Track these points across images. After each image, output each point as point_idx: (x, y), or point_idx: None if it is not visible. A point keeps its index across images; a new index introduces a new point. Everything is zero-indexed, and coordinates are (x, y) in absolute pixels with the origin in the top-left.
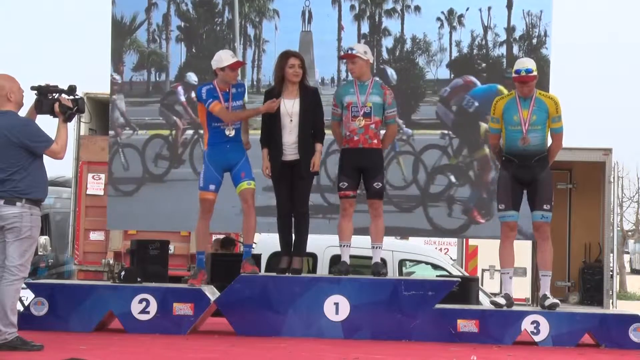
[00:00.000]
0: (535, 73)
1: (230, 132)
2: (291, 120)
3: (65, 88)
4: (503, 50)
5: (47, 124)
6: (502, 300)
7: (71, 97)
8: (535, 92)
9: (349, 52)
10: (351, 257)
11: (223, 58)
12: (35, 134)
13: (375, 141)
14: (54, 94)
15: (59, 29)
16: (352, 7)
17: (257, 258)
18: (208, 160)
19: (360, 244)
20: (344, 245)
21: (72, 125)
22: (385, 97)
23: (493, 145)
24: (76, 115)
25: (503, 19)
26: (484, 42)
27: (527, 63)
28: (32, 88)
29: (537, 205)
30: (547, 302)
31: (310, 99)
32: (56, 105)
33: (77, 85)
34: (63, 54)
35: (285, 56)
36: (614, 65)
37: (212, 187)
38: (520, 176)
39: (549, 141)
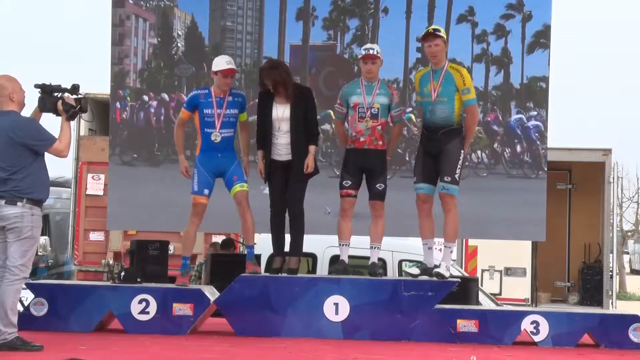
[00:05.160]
0: (442, 35)
1: (215, 138)
2: (280, 126)
3: (69, 87)
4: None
5: (50, 123)
6: (415, 271)
7: (74, 96)
8: (447, 64)
9: (370, 52)
10: (351, 257)
11: (217, 63)
12: (38, 132)
13: (381, 142)
14: (57, 93)
15: (59, 29)
16: None
17: (257, 258)
18: (200, 165)
19: (360, 244)
20: (342, 245)
21: (72, 125)
22: (393, 97)
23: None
24: (79, 115)
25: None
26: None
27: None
28: (36, 86)
29: (440, 177)
30: (435, 269)
31: (301, 102)
32: (59, 103)
33: (79, 84)
34: (63, 54)
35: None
36: (614, 65)
37: (206, 191)
38: (429, 149)
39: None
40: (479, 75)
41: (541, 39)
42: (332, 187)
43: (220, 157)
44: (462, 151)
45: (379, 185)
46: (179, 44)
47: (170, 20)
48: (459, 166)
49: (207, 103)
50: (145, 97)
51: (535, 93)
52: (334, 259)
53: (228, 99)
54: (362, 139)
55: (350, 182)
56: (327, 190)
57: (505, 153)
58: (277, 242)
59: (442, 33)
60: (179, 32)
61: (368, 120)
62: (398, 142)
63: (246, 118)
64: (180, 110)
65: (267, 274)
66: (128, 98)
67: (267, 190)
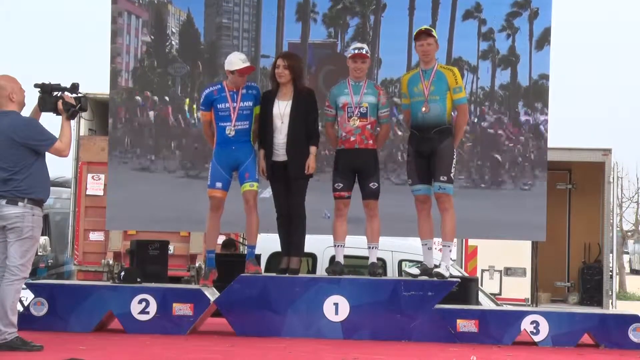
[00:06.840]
0: (434, 34)
1: (230, 132)
2: (282, 122)
3: (68, 86)
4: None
5: (50, 123)
6: (415, 271)
7: (74, 95)
8: (437, 64)
9: (362, 51)
10: (351, 257)
11: (233, 61)
12: (38, 132)
13: (371, 142)
14: (57, 92)
15: (59, 29)
16: None
17: (257, 258)
18: (215, 159)
19: (360, 244)
20: (338, 246)
21: (72, 125)
22: (380, 97)
23: (406, 121)
24: (79, 114)
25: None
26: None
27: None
28: (36, 85)
29: (435, 177)
30: (435, 269)
31: (303, 101)
32: (59, 102)
33: (79, 83)
34: (63, 54)
35: (275, 57)
36: (614, 66)
37: (218, 184)
38: (421, 149)
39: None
40: (485, 74)
41: (549, 37)
42: (331, 191)
43: (235, 149)
44: (455, 150)
45: (372, 184)
46: (173, 42)
47: (164, 17)
48: (453, 165)
49: (222, 98)
50: (141, 97)
51: (542, 92)
52: (334, 259)
53: (242, 92)
54: (352, 139)
55: (342, 185)
56: (326, 194)
57: (505, 153)
58: (284, 242)
59: (434, 33)
60: (173, 30)
61: (355, 119)
62: (384, 142)
63: None
64: (200, 114)
65: (267, 274)
66: (123, 98)
67: (263, 195)
